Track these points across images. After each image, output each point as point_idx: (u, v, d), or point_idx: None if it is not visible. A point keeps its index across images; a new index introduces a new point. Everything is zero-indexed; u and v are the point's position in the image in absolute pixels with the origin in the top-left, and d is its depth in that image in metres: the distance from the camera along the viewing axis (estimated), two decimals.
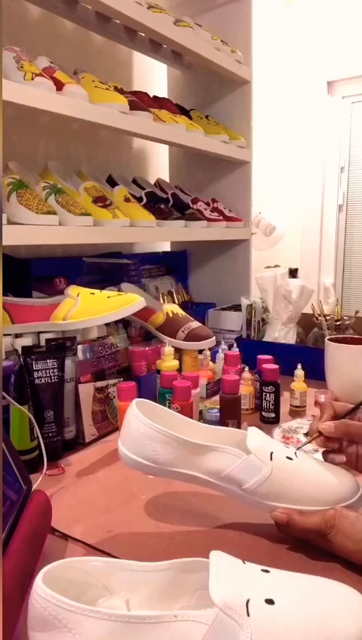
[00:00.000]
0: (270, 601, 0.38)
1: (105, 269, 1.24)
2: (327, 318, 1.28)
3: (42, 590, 0.36)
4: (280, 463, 0.54)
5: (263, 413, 0.91)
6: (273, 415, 0.90)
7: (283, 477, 0.53)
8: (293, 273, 1.42)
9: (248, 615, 0.36)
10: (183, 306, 1.33)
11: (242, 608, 0.36)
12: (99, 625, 0.35)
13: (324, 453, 0.59)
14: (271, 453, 0.54)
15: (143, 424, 0.54)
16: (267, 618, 0.36)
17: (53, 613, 0.35)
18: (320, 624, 0.37)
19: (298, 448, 0.58)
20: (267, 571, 0.41)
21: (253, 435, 0.56)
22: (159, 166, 1.56)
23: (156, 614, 0.36)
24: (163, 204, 1.18)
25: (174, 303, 1.40)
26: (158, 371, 0.89)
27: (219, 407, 0.85)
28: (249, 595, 0.37)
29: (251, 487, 0.53)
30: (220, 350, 1.11)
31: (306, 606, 0.38)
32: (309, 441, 0.60)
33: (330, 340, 1.00)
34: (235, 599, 0.36)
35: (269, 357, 0.95)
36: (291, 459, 0.55)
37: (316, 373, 1.00)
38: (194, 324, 1.07)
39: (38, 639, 0.36)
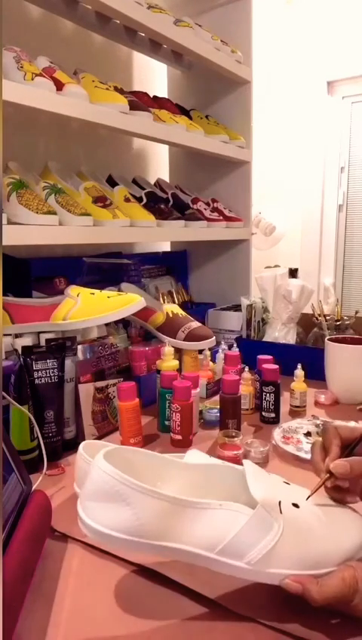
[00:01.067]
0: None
1: (105, 269, 1.24)
2: (327, 318, 1.28)
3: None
4: (290, 516, 0.44)
5: (263, 413, 0.91)
6: (273, 415, 0.90)
7: (290, 534, 0.43)
8: (293, 273, 1.42)
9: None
10: (183, 306, 1.33)
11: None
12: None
13: (331, 493, 0.49)
14: (279, 502, 0.44)
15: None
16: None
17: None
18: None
19: (308, 497, 0.47)
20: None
21: (253, 477, 0.46)
22: (159, 166, 1.56)
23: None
24: (163, 204, 1.18)
25: (174, 303, 1.40)
26: (158, 371, 0.89)
27: (219, 407, 0.85)
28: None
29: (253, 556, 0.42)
30: (220, 350, 1.11)
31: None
32: (320, 486, 0.48)
33: (330, 339, 1.00)
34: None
35: (269, 357, 0.95)
36: (298, 506, 0.45)
37: (316, 373, 1.00)
38: (194, 324, 1.07)
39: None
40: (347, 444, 0.51)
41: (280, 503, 0.44)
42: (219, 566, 0.42)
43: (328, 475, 0.48)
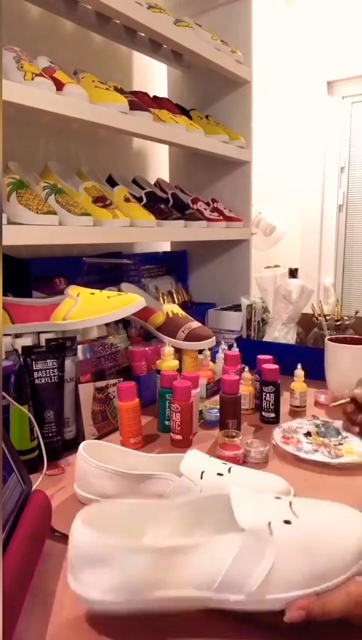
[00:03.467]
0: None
1: (105, 269, 1.24)
2: (327, 318, 1.28)
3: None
4: (283, 535, 0.43)
5: (263, 413, 0.91)
6: (273, 415, 0.90)
7: (287, 554, 0.42)
8: (293, 273, 1.42)
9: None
10: (183, 306, 1.33)
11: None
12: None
13: (344, 422, 0.74)
14: (269, 521, 0.43)
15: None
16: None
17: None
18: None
19: (333, 404, 0.72)
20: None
21: (240, 502, 0.45)
22: (159, 166, 1.56)
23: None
24: (163, 204, 1.18)
25: (174, 303, 1.40)
26: (158, 371, 0.89)
27: (219, 407, 0.85)
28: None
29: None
30: (220, 350, 1.11)
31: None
32: (341, 403, 0.75)
33: (330, 339, 1.00)
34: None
35: (269, 357, 0.95)
36: (289, 522, 0.43)
37: (316, 373, 1.00)
38: (194, 324, 1.07)
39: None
40: None
41: (269, 524, 0.42)
42: (219, 603, 0.41)
43: (349, 399, 0.71)
